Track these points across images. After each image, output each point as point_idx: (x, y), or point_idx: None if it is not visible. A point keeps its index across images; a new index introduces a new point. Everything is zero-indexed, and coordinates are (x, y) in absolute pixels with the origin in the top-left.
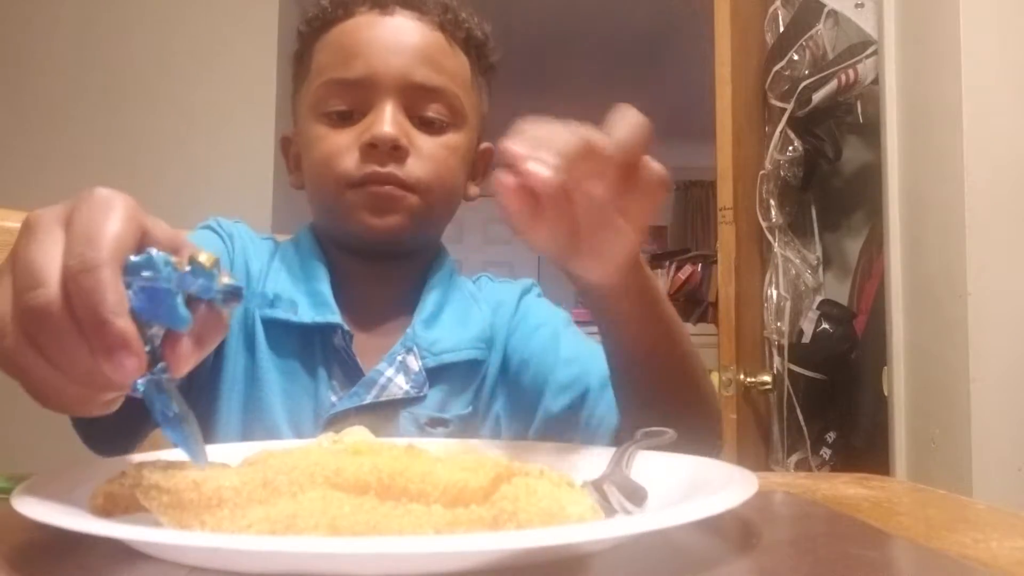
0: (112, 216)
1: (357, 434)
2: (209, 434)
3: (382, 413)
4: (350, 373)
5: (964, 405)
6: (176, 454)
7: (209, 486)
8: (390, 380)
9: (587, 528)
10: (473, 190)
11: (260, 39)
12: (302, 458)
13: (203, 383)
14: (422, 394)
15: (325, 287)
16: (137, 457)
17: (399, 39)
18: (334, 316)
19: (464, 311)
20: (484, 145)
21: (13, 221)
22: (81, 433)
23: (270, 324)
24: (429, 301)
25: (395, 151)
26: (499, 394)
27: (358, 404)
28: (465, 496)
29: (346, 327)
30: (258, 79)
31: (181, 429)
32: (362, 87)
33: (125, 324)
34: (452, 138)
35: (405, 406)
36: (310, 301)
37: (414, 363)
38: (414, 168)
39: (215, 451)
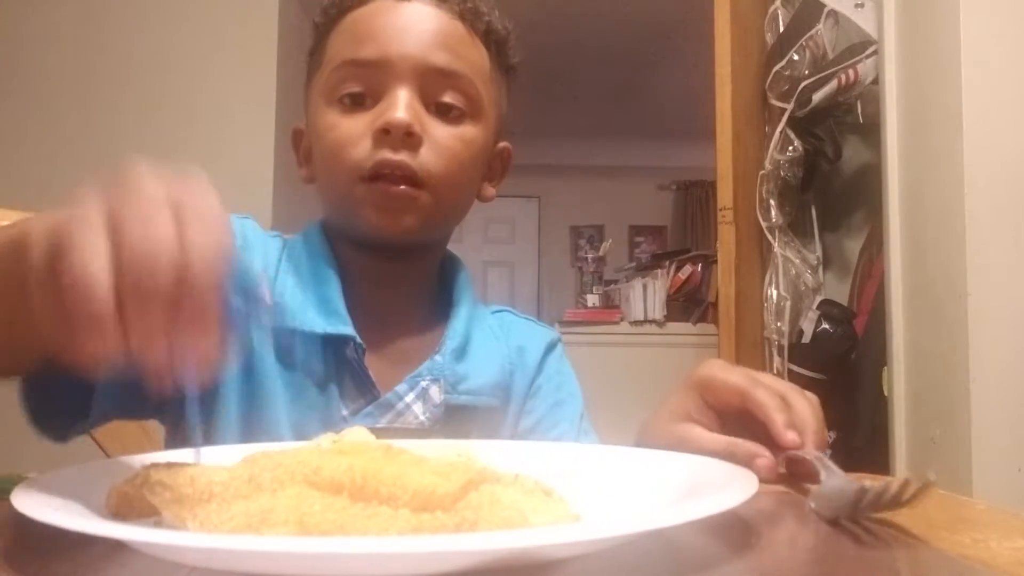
0: (221, 212)
1: (357, 434)
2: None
3: (393, 439)
4: (363, 387)
5: (964, 405)
6: (182, 455)
7: (202, 481)
8: (408, 407)
9: (585, 529)
10: (489, 191)
11: (260, 39)
12: (289, 456)
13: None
14: (435, 428)
15: (336, 294)
16: (149, 457)
17: (416, 23)
18: (346, 327)
19: (488, 350)
20: (502, 145)
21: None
22: (29, 414)
23: (280, 333)
24: (458, 328)
25: (408, 138)
26: None
27: (371, 426)
28: (433, 501)
29: (359, 339)
30: (258, 78)
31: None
32: (376, 68)
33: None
34: (468, 130)
35: (414, 436)
36: (320, 309)
37: (436, 394)
38: (427, 158)
39: (219, 452)
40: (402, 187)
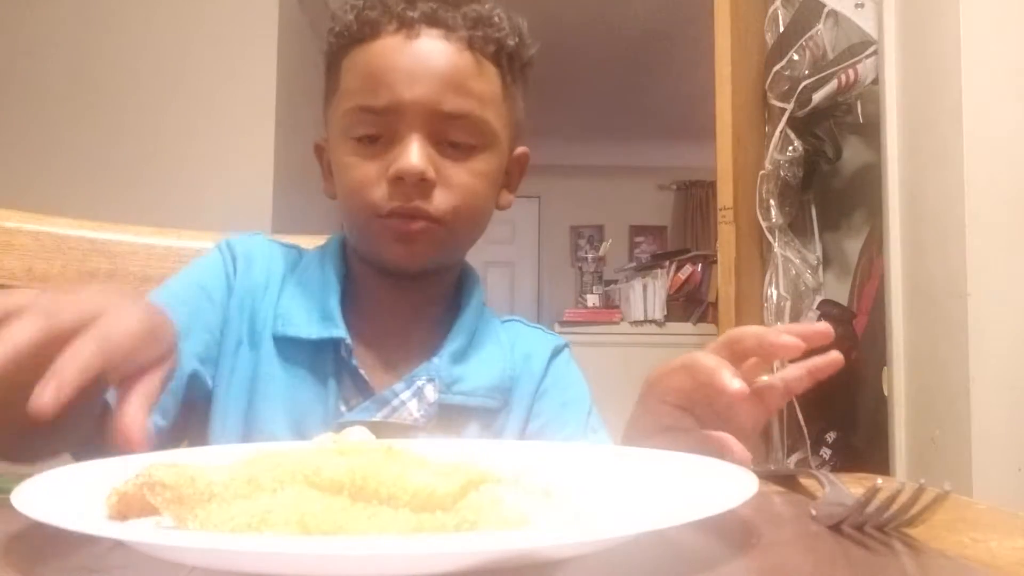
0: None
1: (358, 435)
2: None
3: (388, 435)
4: (361, 387)
5: (964, 405)
6: (182, 455)
7: (202, 481)
8: (403, 403)
9: (585, 529)
10: (506, 198)
11: (260, 40)
12: (289, 456)
13: (201, 395)
14: (429, 425)
15: (334, 301)
16: (149, 457)
17: (425, 65)
18: (337, 330)
19: (490, 355)
20: (519, 151)
21: (14, 221)
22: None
23: (282, 340)
24: (460, 334)
25: (422, 183)
26: None
27: (367, 420)
28: (433, 502)
29: (348, 340)
30: (258, 79)
31: None
32: (388, 114)
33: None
34: (481, 162)
35: (410, 434)
36: (319, 315)
37: (432, 393)
38: (441, 200)
39: (219, 452)
40: (418, 223)
